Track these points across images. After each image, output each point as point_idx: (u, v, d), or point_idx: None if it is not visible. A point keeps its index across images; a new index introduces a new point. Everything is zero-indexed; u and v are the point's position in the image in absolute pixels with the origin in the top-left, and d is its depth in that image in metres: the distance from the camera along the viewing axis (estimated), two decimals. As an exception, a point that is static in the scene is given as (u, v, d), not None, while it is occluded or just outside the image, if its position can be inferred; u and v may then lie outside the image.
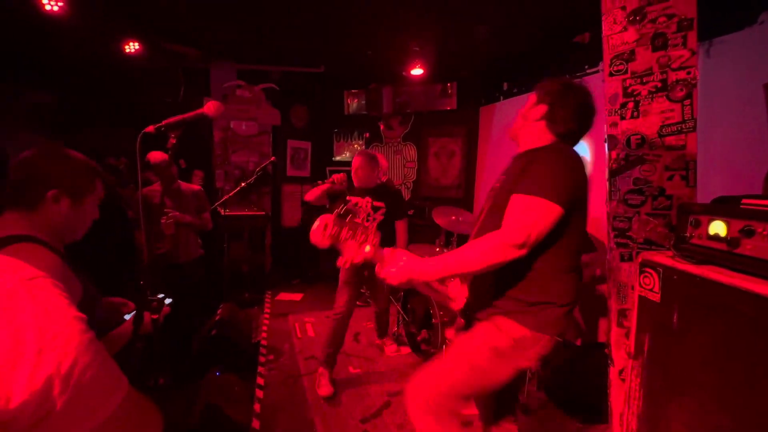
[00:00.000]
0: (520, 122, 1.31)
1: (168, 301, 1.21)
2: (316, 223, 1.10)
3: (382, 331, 3.15)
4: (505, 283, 1.20)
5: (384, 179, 3.77)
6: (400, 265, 1.10)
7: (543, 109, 1.24)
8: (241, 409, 2.21)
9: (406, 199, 5.31)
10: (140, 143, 1.07)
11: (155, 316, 1.11)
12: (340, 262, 1.13)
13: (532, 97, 1.30)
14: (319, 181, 2.72)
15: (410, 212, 4.69)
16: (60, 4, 2.79)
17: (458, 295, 1.45)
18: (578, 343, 3.20)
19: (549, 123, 1.23)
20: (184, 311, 2.59)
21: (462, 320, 1.48)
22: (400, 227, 2.71)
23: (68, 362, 0.40)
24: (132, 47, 3.67)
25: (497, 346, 1.16)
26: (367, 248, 1.09)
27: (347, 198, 2.65)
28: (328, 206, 2.71)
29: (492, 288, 1.22)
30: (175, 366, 2.62)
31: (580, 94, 1.23)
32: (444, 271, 1.09)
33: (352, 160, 2.64)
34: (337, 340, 2.54)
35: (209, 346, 2.69)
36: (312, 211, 4.52)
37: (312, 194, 2.61)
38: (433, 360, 1.30)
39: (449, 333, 2.99)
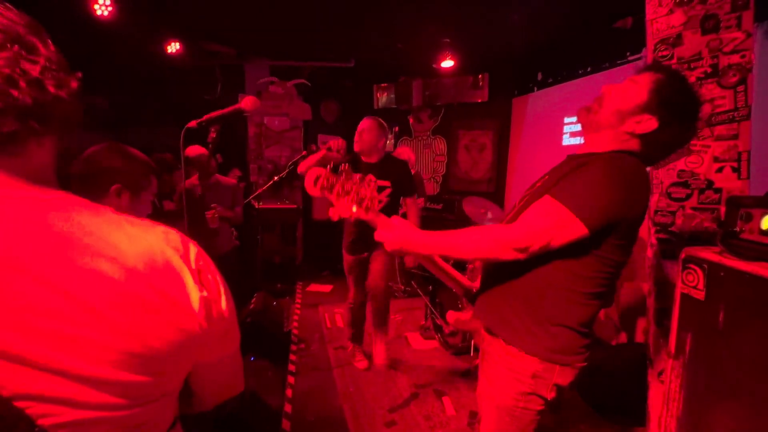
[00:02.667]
0: (607, 119, 1.00)
1: None
2: (309, 174, 1.07)
3: (380, 321, 2.70)
4: (518, 289, 1.07)
5: (413, 172, 3.76)
6: (395, 232, 1.04)
7: (650, 125, 0.93)
8: (274, 394, 2.30)
9: (436, 192, 5.27)
10: (184, 138, 1.14)
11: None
12: (330, 212, 1.07)
13: (641, 90, 0.95)
14: (313, 146, 2.40)
15: (439, 206, 4.65)
16: (110, 8, 2.97)
17: (470, 284, 1.33)
18: (613, 343, 3.08)
19: (644, 142, 0.96)
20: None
21: (468, 313, 1.32)
22: (409, 205, 2.50)
23: (217, 298, 0.52)
24: (173, 47, 3.85)
25: (522, 390, 1.06)
26: (354, 209, 1.04)
27: None
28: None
29: (503, 292, 1.11)
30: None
31: (697, 113, 0.95)
32: (436, 248, 1.02)
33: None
34: (357, 323, 2.79)
35: (244, 333, 2.81)
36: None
37: (304, 164, 2.27)
38: (481, 424, 1.19)
39: (450, 316, 2.81)
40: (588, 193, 0.90)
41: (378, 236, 1.06)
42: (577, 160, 1.00)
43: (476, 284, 1.26)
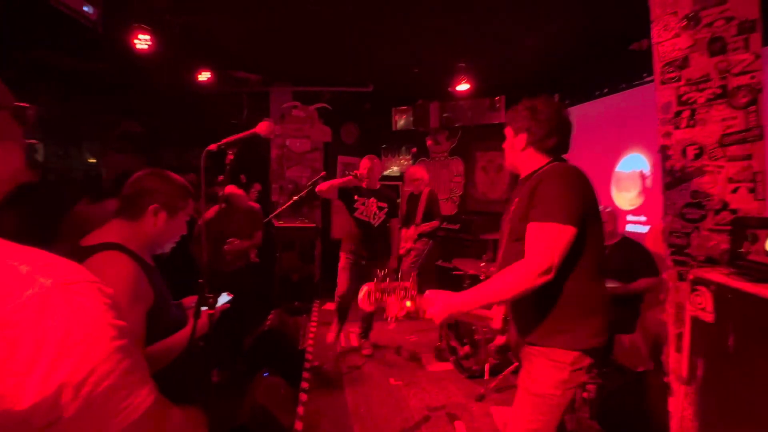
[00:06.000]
0: (511, 154, 1.39)
1: (227, 298, 1.35)
2: (361, 293, 1.23)
3: (365, 331, 3.35)
4: (543, 306, 1.23)
5: (427, 190, 3.81)
6: (439, 304, 1.18)
7: (523, 137, 1.31)
8: (285, 411, 2.32)
9: (453, 213, 5.28)
10: (204, 160, 1.23)
11: (212, 312, 1.24)
12: (389, 318, 1.23)
13: (508, 131, 1.38)
14: (350, 173, 3.00)
15: (456, 227, 4.65)
16: (149, 42, 3.25)
17: (496, 315, 1.50)
18: (639, 370, 2.94)
19: (536, 146, 1.30)
20: (237, 316, 2.80)
21: (502, 338, 1.50)
22: (394, 225, 3.22)
23: (85, 370, 0.39)
24: (204, 76, 4.13)
25: (561, 378, 1.19)
26: (408, 303, 1.19)
27: (354, 197, 3.00)
28: (333, 201, 3.26)
29: (532, 312, 1.25)
30: (228, 366, 2.82)
31: (545, 107, 1.29)
32: (479, 301, 1.17)
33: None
34: (342, 319, 3.26)
35: (259, 349, 2.86)
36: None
37: (324, 185, 2.91)
38: (513, 413, 1.31)
39: (491, 348, 2.91)
40: (559, 203, 1.13)
41: (428, 314, 1.20)
42: (530, 181, 1.26)
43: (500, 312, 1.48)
